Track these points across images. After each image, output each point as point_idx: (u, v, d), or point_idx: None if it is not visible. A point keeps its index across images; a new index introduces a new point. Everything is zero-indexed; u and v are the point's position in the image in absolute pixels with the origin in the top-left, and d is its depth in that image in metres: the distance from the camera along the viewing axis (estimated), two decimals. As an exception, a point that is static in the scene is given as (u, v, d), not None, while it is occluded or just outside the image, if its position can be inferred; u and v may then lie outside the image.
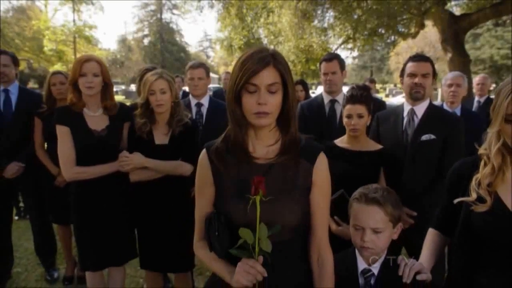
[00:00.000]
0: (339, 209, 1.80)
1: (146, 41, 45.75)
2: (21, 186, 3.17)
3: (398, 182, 2.11)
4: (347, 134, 2.14)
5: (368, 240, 1.36)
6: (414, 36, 15.31)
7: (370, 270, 1.38)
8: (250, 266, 1.07)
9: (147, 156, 2.24)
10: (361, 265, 1.40)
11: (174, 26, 48.02)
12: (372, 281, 1.37)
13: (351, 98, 2.05)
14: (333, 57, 2.74)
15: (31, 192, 3.19)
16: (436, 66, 2.30)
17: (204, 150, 1.26)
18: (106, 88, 2.29)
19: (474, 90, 4.66)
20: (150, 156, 2.25)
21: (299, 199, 1.19)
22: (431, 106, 2.33)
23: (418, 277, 1.28)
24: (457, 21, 11.70)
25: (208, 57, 56.02)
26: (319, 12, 15.36)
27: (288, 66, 1.20)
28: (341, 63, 2.75)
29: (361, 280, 1.38)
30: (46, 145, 3.11)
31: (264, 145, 1.21)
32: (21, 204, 4.71)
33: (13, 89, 3.04)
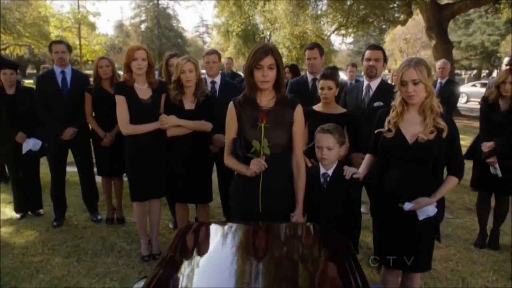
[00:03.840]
0: (314, 154, 2.63)
1: (143, 26, 45.64)
2: (74, 147, 4.05)
3: (357, 136, 3.01)
4: (321, 101, 3.04)
5: (325, 153, 2.28)
6: (403, 23, 16.06)
7: (327, 173, 2.31)
8: (258, 161, 1.99)
9: (179, 118, 3.10)
10: (322, 170, 2.32)
11: (171, 12, 48.03)
12: (328, 179, 2.30)
13: (323, 76, 2.94)
14: (314, 46, 3.63)
15: (82, 151, 4.06)
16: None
17: (231, 102, 2.15)
18: (150, 69, 3.16)
19: (437, 73, 5.46)
20: (181, 118, 3.10)
21: (285, 128, 2.09)
22: (382, 82, 3.25)
23: (354, 176, 2.23)
24: (441, 10, 12.50)
25: (204, 42, 55.69)
26: (312, 0, 16.08)
27: (280, 54, 2.09)
28: (321, 50, 3.64)
29: (322, 179, 2.31)
30: (94, 114, 3.98)
31: (266, 100, 2.10)
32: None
33: (68, 71, 3.89)
